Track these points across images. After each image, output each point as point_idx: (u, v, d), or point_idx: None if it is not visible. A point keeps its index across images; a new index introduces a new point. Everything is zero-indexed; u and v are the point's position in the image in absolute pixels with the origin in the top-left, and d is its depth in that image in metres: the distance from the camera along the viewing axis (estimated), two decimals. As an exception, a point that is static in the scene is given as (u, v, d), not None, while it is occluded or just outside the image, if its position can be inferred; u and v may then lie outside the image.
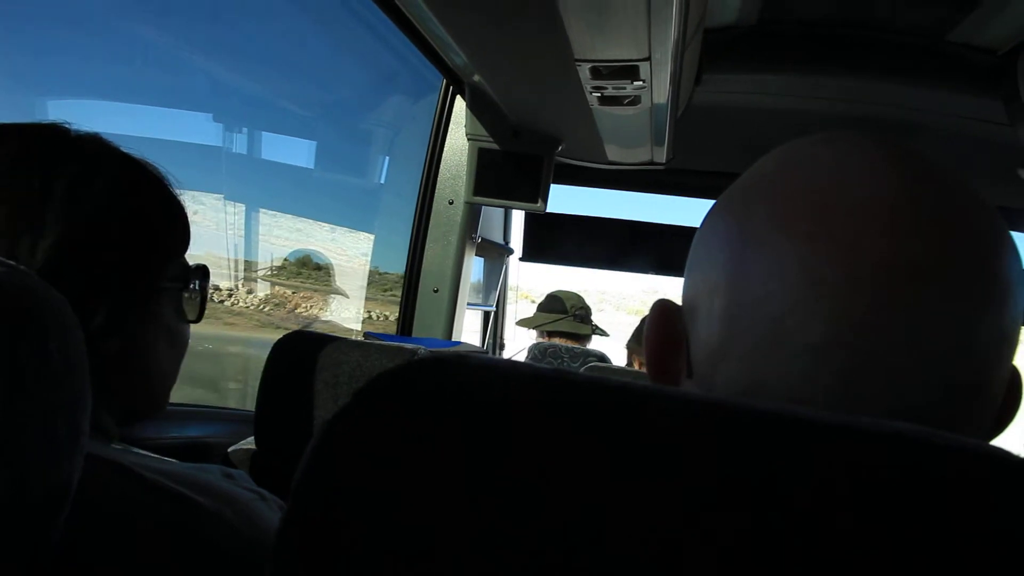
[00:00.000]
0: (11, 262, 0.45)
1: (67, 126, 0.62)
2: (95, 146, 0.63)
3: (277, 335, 1.26)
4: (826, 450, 0.24)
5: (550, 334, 2.67)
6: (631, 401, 0.27)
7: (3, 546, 0.41)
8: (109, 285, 0.61)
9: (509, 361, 0.30)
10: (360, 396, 0.28)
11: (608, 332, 2.81)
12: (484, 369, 0.28)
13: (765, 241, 0.38)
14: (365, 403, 0.28)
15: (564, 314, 2.65)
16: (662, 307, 0.46)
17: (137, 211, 0.64)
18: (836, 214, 0.36)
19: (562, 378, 0.28)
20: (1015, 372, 0.40)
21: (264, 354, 1.20)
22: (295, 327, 1.68)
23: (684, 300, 0.45)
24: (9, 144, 0.58)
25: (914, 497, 0.23)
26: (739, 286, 0.39)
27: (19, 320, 0.42)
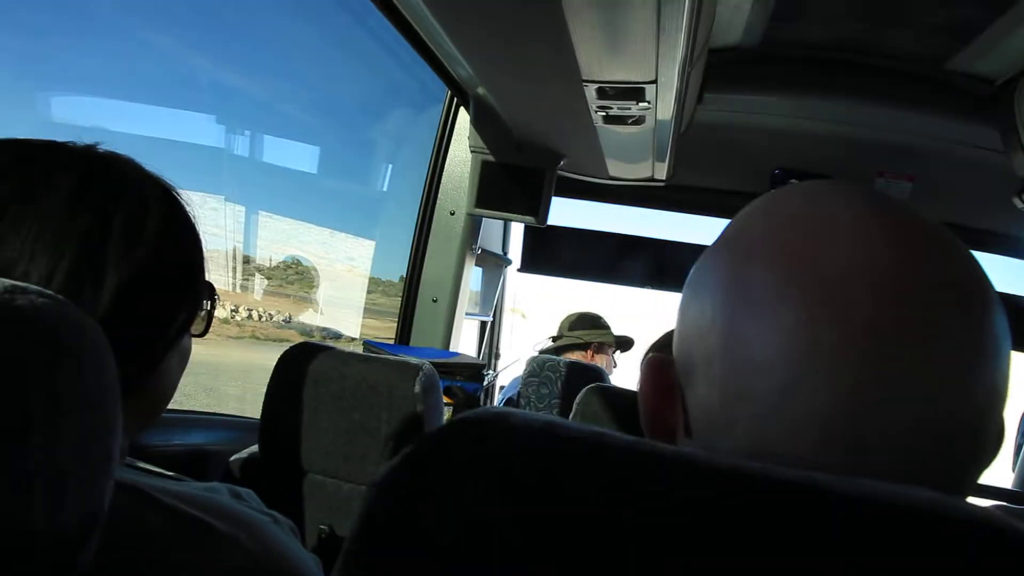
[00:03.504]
0: (47, 291, 0.45)
1: (101, 148, 0.62)
2: (137, 176, 0.62)
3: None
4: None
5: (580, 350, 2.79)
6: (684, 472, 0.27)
7: (39, 570, 0.42)
8: (160, 324, 0.62)
9: (546, 420, 0.30)
10: (407, 459, 0.29)
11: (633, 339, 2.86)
12: (525, 430, 0.29)
13: (763, 308, 0.38)
14: (411, 467, 0.29)
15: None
16: (655, 363, 0.45)
17: (182, 249, 0.64)
18: (831, 280, 0.36)
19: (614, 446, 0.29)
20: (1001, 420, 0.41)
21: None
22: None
23: (678, 355, 0.44)
24: (70, 175, 0.57)
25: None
26: (738, 353, 0.38)
27: (56, 348, 0.43)
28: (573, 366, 2.50)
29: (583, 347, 2.78)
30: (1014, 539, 0.25)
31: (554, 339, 2.85)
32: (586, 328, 2.80)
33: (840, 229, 0.38)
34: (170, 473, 0.68)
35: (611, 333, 2.84)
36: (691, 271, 0.45)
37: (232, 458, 1.29)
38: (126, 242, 0.58)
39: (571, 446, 0.29)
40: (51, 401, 0.42)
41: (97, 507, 0.45)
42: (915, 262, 0.37)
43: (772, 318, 0.37)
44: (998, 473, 2.36)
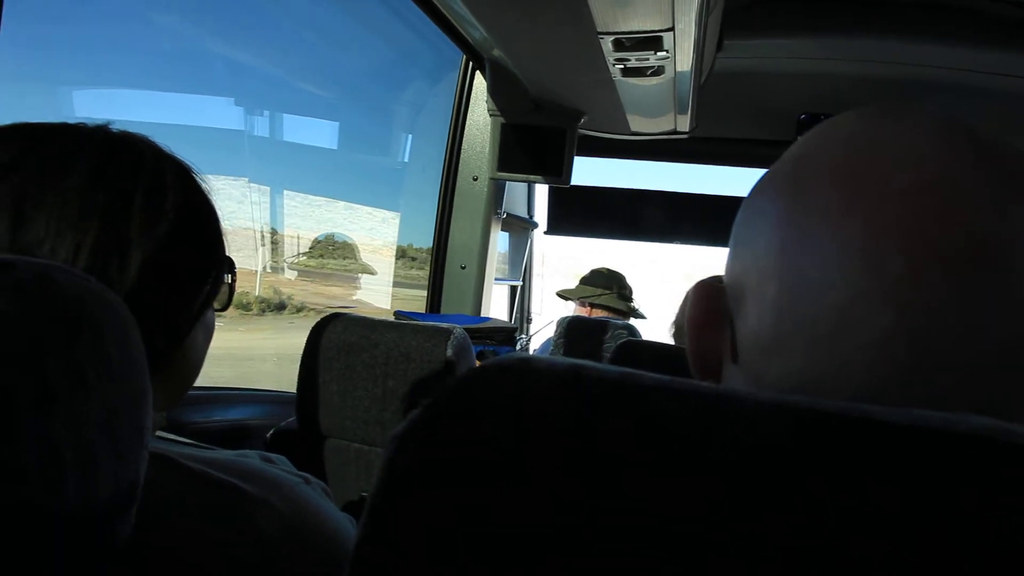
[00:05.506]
0: (66, 266, 0.46)
1: (114, 127, 0.63)
2: (153, 153, 0.62)
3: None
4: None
5: (592, 307, 2.71)
6: (714, 407, 0.27)
7: (77, 544, 0.42)
8: (185, 298, 0.63)
9: (570, 363, 0.29)
10: (428, 409, 0.29)
11: (646, 315, 2.83)
12: (546, 375, 0.28)
13: (822, 228, 0.36)
14: (432, 416, 0.28)
15: (608, 290, 2.69)
16: (705, 287, 0.45)
17: (202, 224, 0.65)
18: (893, 198, 0.35)
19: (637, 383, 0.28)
20: None
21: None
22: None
23: (729, 280, 0.43)
24: (88, 154, 0.58)
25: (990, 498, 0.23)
26: (795, 274, 0.37)
27: (77, 323, 0.43)
28: (602, 324, 2.49)
29: (621, 311, 2.75)
30: None
31: (626, 300, 2.76)
32: (629, 299, 2.78)
33: (905, 148, 0.37)
34: (198, 443, 0.69)
35: (642, 314, 2.81)
36: (746, 197, 0.44)
37: (270, 433, 1.31)
38: (148, 217, 0.58)
39: (600, 386, 0.28)
40: (74, 374, 0.42)
41: (132, 480, 0.46)
42: (985, 180, 0.35)
43: (833, 239, 0.36)
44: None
